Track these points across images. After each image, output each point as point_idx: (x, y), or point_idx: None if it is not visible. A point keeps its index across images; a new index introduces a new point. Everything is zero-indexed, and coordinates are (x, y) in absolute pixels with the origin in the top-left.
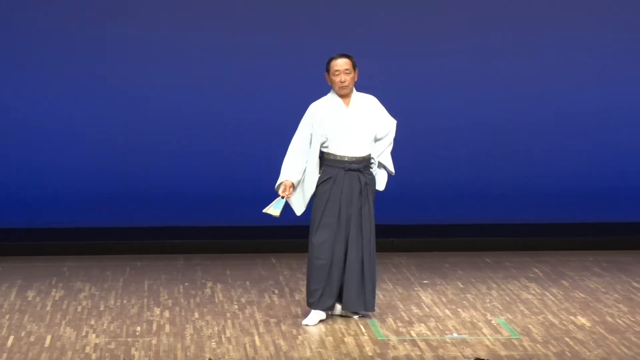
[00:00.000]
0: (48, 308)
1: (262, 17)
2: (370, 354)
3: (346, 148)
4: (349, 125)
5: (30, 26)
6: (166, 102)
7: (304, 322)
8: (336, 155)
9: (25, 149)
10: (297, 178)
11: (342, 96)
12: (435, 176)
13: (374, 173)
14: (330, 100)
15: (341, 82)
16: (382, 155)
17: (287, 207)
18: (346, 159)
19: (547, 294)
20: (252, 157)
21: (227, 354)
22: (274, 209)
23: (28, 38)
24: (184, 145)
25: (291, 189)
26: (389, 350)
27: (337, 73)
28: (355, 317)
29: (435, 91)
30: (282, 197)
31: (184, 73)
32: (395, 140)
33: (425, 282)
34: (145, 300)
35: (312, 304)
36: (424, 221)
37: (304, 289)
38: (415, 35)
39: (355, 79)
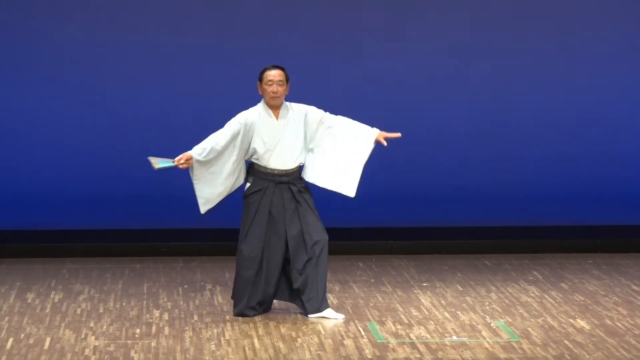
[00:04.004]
0: (47, 310)
1: (249, 18)
2: (369, 356)
3: (276, 161)
4: (278, 139)
5: (10, 29)
6: (163, 104)
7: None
8: (266, 168)
9: (21, 150)
10: (199, 154)
11: (272, 107)
12: (435, 178)
13: (340, 173)
14: (259, 112)
15: (273, 93)
16: (342, 130)
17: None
18: (276, 172)
19: (547, 296)
20: None
21: (226, 357)
22: (158, 162)
23: (7, 42)
24: (183, 147)
25: (189, 161)
26: (389, 353)
27: (270, 83)
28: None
29: (434, 93)
30: (174, 162)
31: (174, 75)
32: (393, 142)
33: (424, 284)
34: (145, 302)
35: (234, 310)
36: (423, 223)
37: None
38: (409, 36)
39: (286, 92)
